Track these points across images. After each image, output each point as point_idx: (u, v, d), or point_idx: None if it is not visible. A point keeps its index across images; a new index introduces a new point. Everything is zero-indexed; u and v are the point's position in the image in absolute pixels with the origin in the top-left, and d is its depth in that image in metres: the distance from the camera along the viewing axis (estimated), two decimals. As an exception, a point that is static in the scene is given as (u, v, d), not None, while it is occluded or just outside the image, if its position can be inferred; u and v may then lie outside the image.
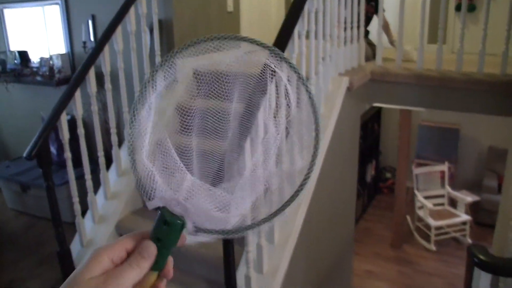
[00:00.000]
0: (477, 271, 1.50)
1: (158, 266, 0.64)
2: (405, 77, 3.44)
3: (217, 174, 0.77)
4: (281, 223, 2.46)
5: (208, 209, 0.68)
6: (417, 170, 6.28)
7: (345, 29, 3.26)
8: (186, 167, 0.70)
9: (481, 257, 1.47)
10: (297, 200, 0.72)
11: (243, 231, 0.70)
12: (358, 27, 3.45)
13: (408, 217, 6.57)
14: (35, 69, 4.78)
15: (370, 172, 7.15)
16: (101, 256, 0.61)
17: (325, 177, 2.83)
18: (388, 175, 7.72)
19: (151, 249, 0.64)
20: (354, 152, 3.73)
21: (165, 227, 0.65)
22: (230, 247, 2.03)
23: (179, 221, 0.66)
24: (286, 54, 2.27)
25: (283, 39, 2.27)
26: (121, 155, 3.22)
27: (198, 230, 0.68)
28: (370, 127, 7.00)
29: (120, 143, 3.25)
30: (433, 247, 5.97)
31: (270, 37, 2.60)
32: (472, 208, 6.37)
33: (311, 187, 2.61)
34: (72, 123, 2.94)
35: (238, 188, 0.72)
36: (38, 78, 4.63)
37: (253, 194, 0.73)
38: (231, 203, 0.70)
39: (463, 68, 3.32)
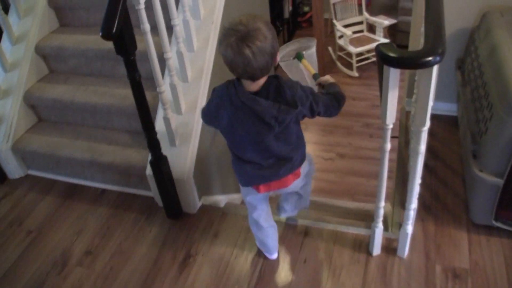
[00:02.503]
0: (386, 69, 1.46)
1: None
2: None
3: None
4: (191, 59, 2.33)
5: None
6: (334, 0, 6.14)
7: None
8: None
9: (389, 53, 1.42)
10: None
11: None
12: None
13: (330, 48, 6.59)
14: None
15: (288, 7, 6.95)
16: None
17: (232, 3, 2.66)
18: (306, 8, 7.56)
19: None
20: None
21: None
22: (140, 91, 1.90)
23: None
24: None
25: None
26: (10, 21, 2.86)
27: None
28: (283, -41, 6.65)
29: (6, 10, 2.89)
30: (355, 73, 6.09)
31: None
32: (390, 32, 6.44)
33: (218, 18, 2.45)
34: None
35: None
36: None
37: None
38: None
39: None
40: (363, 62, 6.19)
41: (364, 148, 4.93)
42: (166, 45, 2.07)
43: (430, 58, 1.38)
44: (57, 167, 2.71)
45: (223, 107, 1.59)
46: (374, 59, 6.24)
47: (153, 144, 2.06)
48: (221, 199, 2.55)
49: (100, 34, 1.68)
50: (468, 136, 2.15)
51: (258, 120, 1.55)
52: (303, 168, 1.85)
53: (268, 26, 1.43)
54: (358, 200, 4.46)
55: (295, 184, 1.85)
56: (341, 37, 6.12)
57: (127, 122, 2.58)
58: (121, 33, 1.71)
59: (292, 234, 2.24)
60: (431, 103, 1.53)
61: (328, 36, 6.68)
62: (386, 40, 6.03)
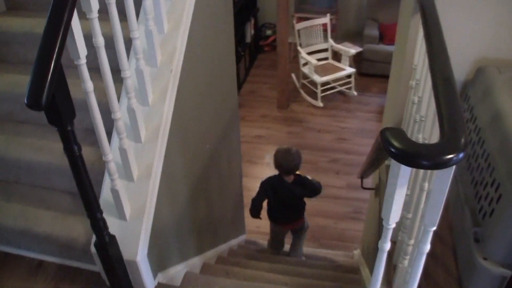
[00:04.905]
0: (395, 164, 1.15)
1: None
2: None
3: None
4: (145, 115, 1.97)
5: None
6: (299, 25, 5.90)
7: None
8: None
9: (401, 147, 1.12)
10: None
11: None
12: None
13: (293, 75, 6.34)
14: None
15: (250, 31, 6.67)
16: None
17: (195, 47, 2.34)
18: (269, 32, 7.32)
19: None
20: (228, 12, 3.19)
21: None
22: (80, 168, 1.53)
23: None
24: None
25: None
26: None
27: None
28: (245, -18, 6.36)
29: None
30: (320, 103, 5.85)
31: None
32: (355, 59, 6.25)
33: (178, 66, 2.10)
34: None
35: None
36: None
37: None
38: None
39: None
40: (328, 92, 5.96)
41: (331, 186, 4.67)
42: (114, 105, 1.70)
43: (452, 156, 1.08)
44: (-16, 231, 2.29)
45: (271, 191, 3.32)
46: (339, 88, 6.02)
47: (98, 226, 1.69)
48: (180, 270, 2.22)
49: (26, 103, 1.32)
50: (468, 214, 1.88)
51: (292, 194, 3.28)
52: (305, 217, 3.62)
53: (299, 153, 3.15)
54: (325, 245, 4.19)
55: (300, 225, 3.63)
56: (305, 64, 5.88)
57: (68, 182, 2.18)
58: (54, 100, 1.35)
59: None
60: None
61: (291, 61, 6.42)
62: (352, 69, 5.82)
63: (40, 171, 2.23)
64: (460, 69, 2.32)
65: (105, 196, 1.92)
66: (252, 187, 4.67)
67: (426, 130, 1.85)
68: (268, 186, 3.31)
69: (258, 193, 3.37)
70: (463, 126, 1.17)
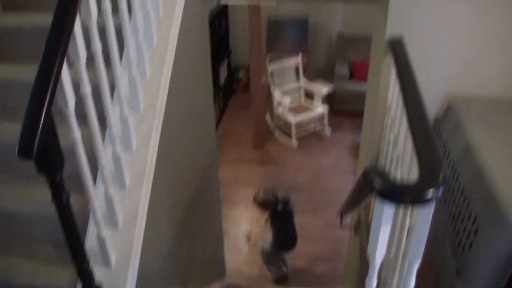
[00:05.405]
0: (379, 203, 1.21)
1: None
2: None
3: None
4: (129, 161, 1.99)
5: None
6: (271, 66, 6.04)
7: None
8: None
9: (383, 184, 1.17)
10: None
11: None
12: None
13: (268, 115, 6.44)
14: None
15: (223, 73, 6.79)
16: None
17: (176, 92, 2.39)
18: (242, 73, 7.45)
19: None
20: (206, 57, 3.28)
21: None
22: (68, 218, 1.54)
23: None
24: None
25: None
26: None
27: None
28: (218, 25, 6.50)
29: None
30: (295, 143, 5.94)
31: None
32: (327, 97, 6.40)
33: (161, 111, 2.15)
34: None
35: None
36: None
37: None
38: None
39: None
40: (302, 132, 6.07)
41: (309, 226, 4.69)
42: (100, 152, 1.73)
43: (432, 191, 1.14)
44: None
45: None
46: (313, 127, 6.13)
47: (85, 276, 1.68)
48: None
49: (17, 153, 1.33)
50: (447, 248, 1.93)
51: None
52: None
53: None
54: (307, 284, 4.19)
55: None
56: (279, 105, 5.99)
57: (51, 232, 2.16)
58: (45, 149, 1.36)
59: None
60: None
61: (265, 101, 6.53)
62: (324, 108, 5.95)
63: (21, 221, 2.20)
64: (432, 106, 2.43)
65: (90, 244, 1.91)
66: (229, 228, 4.67)
67: (404, 167, 1.92)
68: None
69: None
70: (440, 162, 1.23)
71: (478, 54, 2.32)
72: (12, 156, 2.28)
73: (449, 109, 2.28)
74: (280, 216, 4.15)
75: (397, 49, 2.14)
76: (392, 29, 2.30)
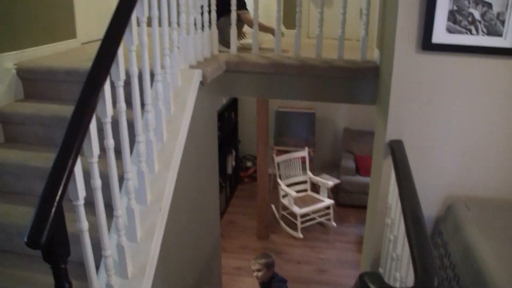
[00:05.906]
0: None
1: None
2: (263, 66, 3.17)
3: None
4: (133, 253, 2.03)
5: None
6: (278, 158, 6.17)
7: (202, 13, 2.92)
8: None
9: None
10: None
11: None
12: (210, 11, 3.08)
13: (273, 206, 6.47)
14: None
15: (231, 163, 6.91)
16: None
17: (183, 185, 2.47)
18: (249, 163, 7.57)
19: None
20: (213, 150, 3.40)
21: None
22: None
23: None
24: (123, 46, 1.82)
25: (118, 28, 1.82)
26: None
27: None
28: (227, 116, 6.73)
29: None
30: (300, 234, 5.93)
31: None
32: (333, 190, 6.45)
33: (166, 204, 2.21)
34: None
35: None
36: None
37: None
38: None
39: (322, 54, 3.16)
40: (308, 223, 6.07)
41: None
42: (106, 243, 1.78)
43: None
44: None
45: None
46: (318, 219, 6.14)
47: None
48: None
49: (25, 241, 1.39)
50: None
51: None
52: None
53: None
54: None
55: None
56: (285, 196, 6.05)
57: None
58: (52, 240, 1.42)
59: None
60: None
61: (271, 191, 6.59)
62: (330, 201, 5.99)
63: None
64: (433, 205, 2.47)
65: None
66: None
67: (402, 269, 1.94)
68: None
69: None
70: (434, 268, 1.27)
71: (477, 155, 2.39)
72: (19, 237, 2.34)
73: (449, 210, 2.33)
74: None
75: (396, 151, 2.23)
76: (392, 130, 2.40)
